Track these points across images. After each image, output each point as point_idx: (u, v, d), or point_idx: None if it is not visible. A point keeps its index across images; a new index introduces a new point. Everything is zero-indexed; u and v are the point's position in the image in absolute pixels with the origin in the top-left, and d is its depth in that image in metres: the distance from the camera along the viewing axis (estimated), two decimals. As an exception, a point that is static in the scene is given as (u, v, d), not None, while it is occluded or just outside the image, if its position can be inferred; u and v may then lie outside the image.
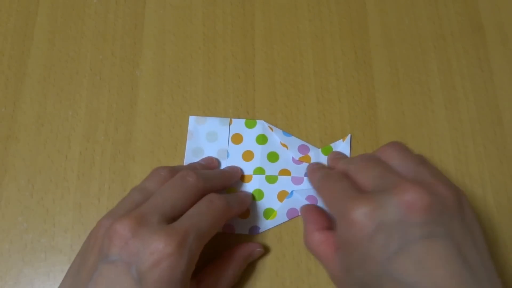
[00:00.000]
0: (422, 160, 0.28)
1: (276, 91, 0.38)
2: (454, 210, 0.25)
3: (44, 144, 0.36)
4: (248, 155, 0.35)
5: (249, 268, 0.33)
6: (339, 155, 0.35)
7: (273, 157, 0.35)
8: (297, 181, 0.34)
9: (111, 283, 0.24)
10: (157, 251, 0.24)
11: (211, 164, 0.34)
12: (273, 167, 0.35)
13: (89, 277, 0.25)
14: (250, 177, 0.35)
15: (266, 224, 0.33)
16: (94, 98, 0.37)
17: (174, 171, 0.30)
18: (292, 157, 0.35)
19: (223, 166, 0.35)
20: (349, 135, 0.36)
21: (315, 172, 0.32)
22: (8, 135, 0.36)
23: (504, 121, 0.37)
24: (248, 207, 0.33)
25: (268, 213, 0.34)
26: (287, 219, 0.34)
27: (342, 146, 0.35)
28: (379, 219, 0.24)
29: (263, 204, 0.34)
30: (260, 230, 0.33)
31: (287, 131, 0.36)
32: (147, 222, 0.25)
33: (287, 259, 0.33)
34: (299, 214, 0.34)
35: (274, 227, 0.34)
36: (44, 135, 0.36)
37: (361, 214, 0.24)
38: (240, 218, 0.33)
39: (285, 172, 0.35)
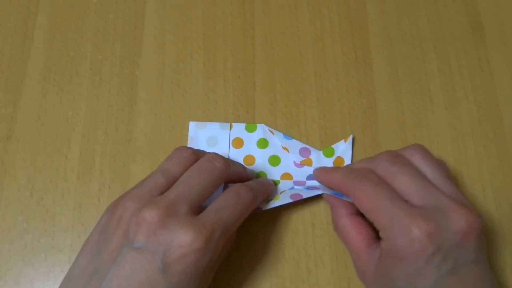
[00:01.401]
0: (448, 174, 0.29)
1: (276, 91, 0.38)
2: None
3: (44, 144, 0.36)
4: (249, 160, 0.35)
5: (249, 268, 0.33)
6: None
7: (274, 161, 0.35)
8: (299, 185, 0.34)
9: (135, 269, 0.24)
10: (185, 245, 0.24)
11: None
12: (274, 171, 0.35)
13: (112, 260, 0.25)
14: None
15: (268, 204, 0.33)
16: (94, 98, 0.37)
17: (196, 153, 0.30)
18: (294, 161, 0.35)
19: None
20: (351, 136, 0.36)
21: (334, 170, 0.31)
22: (8, 135, 0.36)
23: (504, 121, 0.37)
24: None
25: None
26: (290, 200, 0.33)
27: (344, 147, 0.35)
28: (439, 242, 0.25)
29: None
30: (263, 209, 0.32)
31: (287, 131, 0.36)
32: (175, 213, 0.26)
33: (287, 259, 0.33)
34: (303, 197, 0.33)
35: (277, 206, 0.33)
36: (44, 135, 0.36)
37: (423, 234, 0.25)
38: None
39: (286, 176, 0.35)
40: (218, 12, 0.40)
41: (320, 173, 0.33)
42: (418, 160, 0.29)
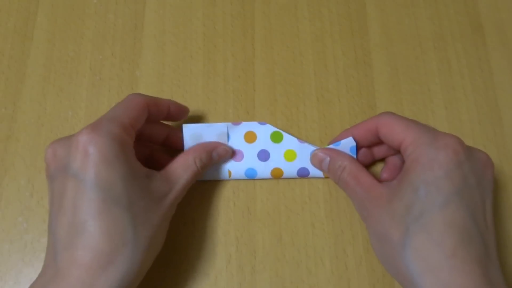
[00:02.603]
0: None
1: (276, 91, 0.38)
2: None
3: (44, 144, 0.36)
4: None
5: (249, 268, 0.33)
6: None
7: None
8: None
9: (59, 192, 0.26)
10: (78, 144, 0.25)
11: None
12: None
13: (49, 202, 0.27)
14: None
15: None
16: (94, 98, 0.37)
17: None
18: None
19: None
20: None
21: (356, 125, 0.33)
22: (8, 135, 0.36)
23: (504, 121, 0.37)
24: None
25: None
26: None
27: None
28: (468, 154, 0.27)
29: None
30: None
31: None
32: (70, 136, 0.27)
33: (287, 259, 0.33)
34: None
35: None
36: (44, 135, 0.36)
37: (456, 142, 0.27)
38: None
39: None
40: (218, 12, 0.40)
41: (348, 129, 0.34)
42: None
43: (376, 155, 0.34)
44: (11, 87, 0.37)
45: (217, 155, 0.33)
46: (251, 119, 0.37)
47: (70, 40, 0.39)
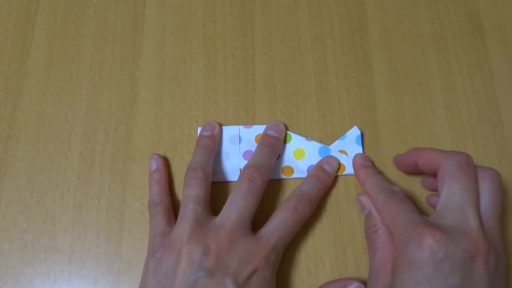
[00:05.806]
0: (500, 208, 0.30)
1: (276, 91, 0.38)
2: None
3: (44, 144, 0.36)
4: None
5: (249, 268, 0.33)
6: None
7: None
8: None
9: (169, 267, 0.27)
10: (248, 264, 0.28)
11: (214, 131, 0.35)
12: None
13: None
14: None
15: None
16: (94, 98, 0.37)
17: (204, 166, 0.32)
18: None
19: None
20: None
21: (371, 180, 0.32)
22: (8, 135, 0.36)
23: (504, 121, 0.37)
24: None
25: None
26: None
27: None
28: (449, 251, 0.26)
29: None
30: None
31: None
32: (236, 238, 0.29)
33: (287, 259, 0.33)
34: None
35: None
36: (44, 135, 0.36)
37: (432, 240, 0.26)
38: None
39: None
40: (218, 12, 0.40)
41: (359, 172, 0.34)
42: (485, 185, 0.29)
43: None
44: (11, 87, 0.37)
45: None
46: (251, 119, 0.37)
47: (70, 40, 0.39)
